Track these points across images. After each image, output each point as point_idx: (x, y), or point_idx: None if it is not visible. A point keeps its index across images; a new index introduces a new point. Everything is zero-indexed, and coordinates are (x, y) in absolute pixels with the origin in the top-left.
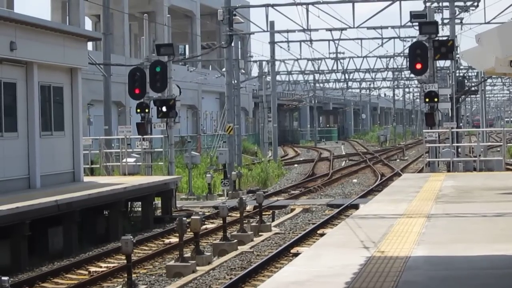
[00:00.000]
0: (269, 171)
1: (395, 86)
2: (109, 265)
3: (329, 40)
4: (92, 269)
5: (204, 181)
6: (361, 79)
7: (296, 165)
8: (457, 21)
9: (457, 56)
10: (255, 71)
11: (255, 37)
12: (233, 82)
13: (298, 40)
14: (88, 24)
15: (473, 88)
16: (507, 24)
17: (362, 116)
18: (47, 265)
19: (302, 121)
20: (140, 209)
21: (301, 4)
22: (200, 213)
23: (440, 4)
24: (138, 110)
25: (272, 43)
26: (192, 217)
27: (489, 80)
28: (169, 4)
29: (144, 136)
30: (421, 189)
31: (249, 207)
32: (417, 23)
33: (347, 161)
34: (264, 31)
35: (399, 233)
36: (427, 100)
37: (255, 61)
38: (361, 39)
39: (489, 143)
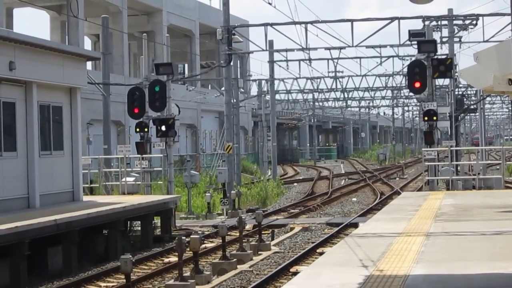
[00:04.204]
0: (269, 190)
1: (394, 105)
2: (108, 284)
3: (328, 59)
4: None
5: (204, 200)
6: (360, 97)
7: (295, 184)
8: (456, 39)
9: (456, 74)
10: (254, 90)
11: (254, 56)
12: (232, 101)
13: (297, 59)
14: (88, 44)
15: (472, 106)
16: (504, 42)
17: (362, 134)
18: (47, 284)
19: (302, 139)
20: (139, 228)
21: (300, 23)
22: (199, 232)
23: (439, 22)
24: (137, 130)
25: (271, 62)
26: (192, 236)
27: (488, 98)
28: (168, 24)
29: (143, 155)
30: (420, 207)
31: (248, 226)
32: (415, 42)
33: (347, 179)
34: (263, 50)
35: (398, 251)
36: (426, 118)
37: (254, 80)
38: (360, 57)
39: (489, 161)
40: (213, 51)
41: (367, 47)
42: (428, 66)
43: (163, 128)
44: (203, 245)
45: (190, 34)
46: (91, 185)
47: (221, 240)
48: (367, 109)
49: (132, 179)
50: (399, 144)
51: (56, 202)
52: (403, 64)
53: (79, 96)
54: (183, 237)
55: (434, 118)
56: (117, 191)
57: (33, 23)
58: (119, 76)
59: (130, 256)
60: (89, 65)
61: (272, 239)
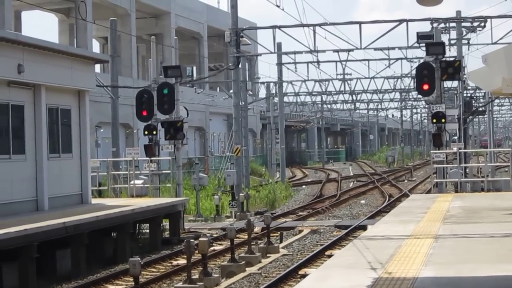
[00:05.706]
0: (277, 192)
1: (403, 107)
2: (117, 287)
3: (336, 61)
4: None
5: (212, 203)
6: (369, 100)
7: (304, 186)
8: (464, 41)
9: (464, 76)
10: (262, 93)
11: (262, 59)
12: (240, 103)
13: (305, 61)
14: (96, 47)
15: (480, 109)
16: None
17: (370, 137)
18: (55, 287)
19: (310, 142)
20: (148, 231)
21: (308, 25)
22: (208, 234)
23: (447, 25)
24: (146, 132)
25: (280, 64)
26: (200, 238)
27: (496, 101)
28: (176, 26)
29: (152, 158)
30: (429, 209)
31: (257, 229)
32: (424, 44)
33: (355, 182)
34: (271, 52)
35: (406, 254)
36: (434, 120)
37: (263, 83)
38: (368, 60)
39: (497, 164)
40: (222, 54)
41: (376, 49)
42: (436, 68)
43: (172, 130)
44: (212, 248)
45: (198, 36)
46: (100, 188)
47: (229, 243)
48: (375, 111)
49: (140, 181)
50: (408, 146)
51: (64, 204)
52: (411, 66)
53: (88, 99)
54: (192, 240)
55: (443, 120)
56: (125, 194)
57: (42, 26)
58: (128, 79)
59: (139, 258)
60: (97, 67)
61: (281, 242)
